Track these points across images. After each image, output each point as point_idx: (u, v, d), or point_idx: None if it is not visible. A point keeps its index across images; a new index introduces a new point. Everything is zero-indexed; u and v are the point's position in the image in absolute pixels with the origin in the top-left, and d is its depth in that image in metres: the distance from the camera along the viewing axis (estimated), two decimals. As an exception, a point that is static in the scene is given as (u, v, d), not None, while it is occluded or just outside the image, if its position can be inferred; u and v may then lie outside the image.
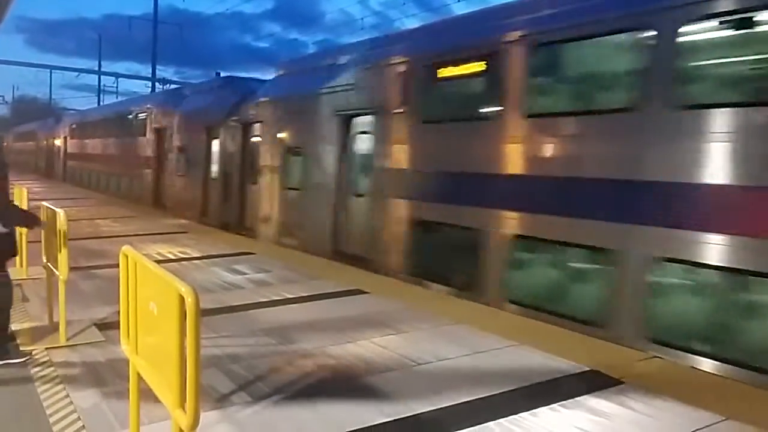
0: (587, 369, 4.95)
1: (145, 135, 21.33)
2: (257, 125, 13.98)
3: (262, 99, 13.93)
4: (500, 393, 4.42)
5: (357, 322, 6.13)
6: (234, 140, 15.03)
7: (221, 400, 4.15)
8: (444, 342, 5.58)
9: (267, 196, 13.34)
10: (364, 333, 5.76)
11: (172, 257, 9.57)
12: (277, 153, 12.98)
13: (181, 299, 2.52)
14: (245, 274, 8.44)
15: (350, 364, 4.96)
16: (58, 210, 5.31)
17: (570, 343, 5.64)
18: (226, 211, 15.26)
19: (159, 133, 19.84)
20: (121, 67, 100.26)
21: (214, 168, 16.09)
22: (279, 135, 12.95)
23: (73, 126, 33.04)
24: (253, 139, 14.22)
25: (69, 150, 33.16)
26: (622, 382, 4.67)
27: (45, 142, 38.40)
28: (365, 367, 4.87)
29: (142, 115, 22.10)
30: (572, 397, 4.37)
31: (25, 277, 7.51)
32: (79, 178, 30.02)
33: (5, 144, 5.39)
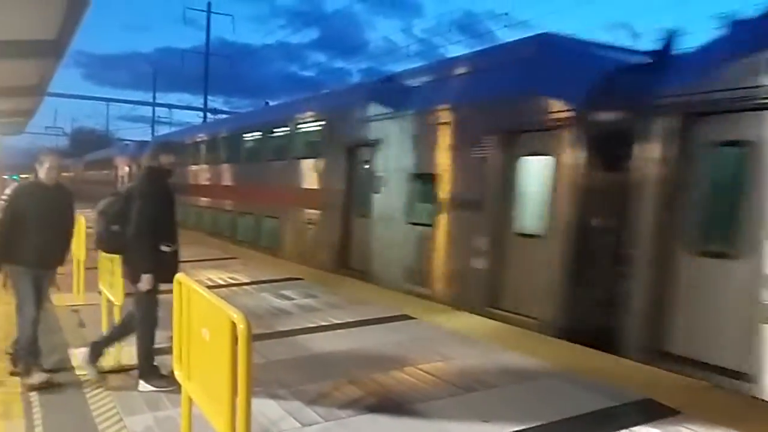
0: (642, 398, 4.81)
1: (318, 155, 13.35)
2: None
3: None
4: (551, 423, 4.32)
5: (403, 348, 6.11)
6: (626, 158, 6.75)
7: (270, 426, 4.18)
8: (493, 369, 5.50)
9: None
10: (411, 359, 5.73)
11: (223, 283, 9.73)
12: None
13: (233, 325, 2.57)
14: (293, 299, 8.51)
15: (397, 390, 4.93)
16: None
17: (624, 371, 5.49)
18: (604, 310, 6.68)
19: (352, 153, 11.88)
20: (173, 98, 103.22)
21: (533, 216, 7.89)
22: None
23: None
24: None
25: None
26: (679, 412, 4.51)
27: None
28: (412, 394, 4.84)
29: (308, 126, 14.27)
30: (627, 427, 4.25)
31: (82, 303, 7.74)
32: (181, 216, 17.61)
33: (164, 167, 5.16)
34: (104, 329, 5.80)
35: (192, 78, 39.50)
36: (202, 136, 22.12)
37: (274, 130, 16.06)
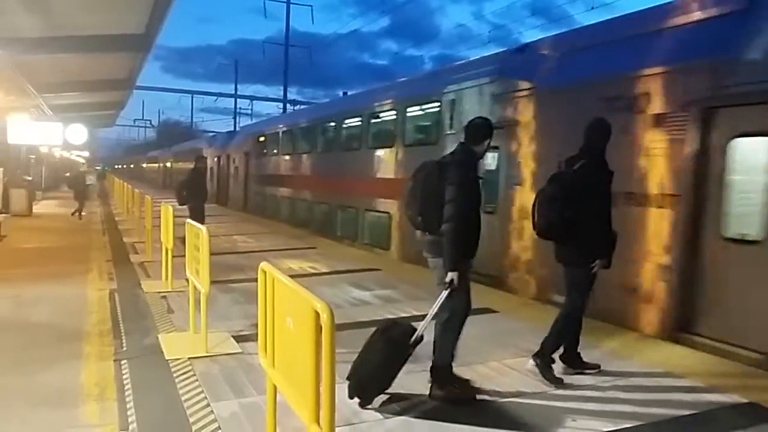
0: (744, 401, 4.50)
1: None
2: None
3: None
4: (645, 425, 4.10)
5: (486, 342, 5.96)
6: None
7: (353, 417, 4.16)
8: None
9: None
10: (494, 353, 5.58)
11: (302, 272, 9.84)
12: None
13: (317, 315, 2.53)
14: (372, 290, 8.51)
15: (480, 386, 4.80)
16: (201, 227, 5.60)
17: (722, 372, 5.16)
18: None
19: None
20: (249, 89, 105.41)
21: None
22: None
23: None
24: None
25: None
26: (786, 418, 4.19)
27: None
28: (496, 390, 4.70)
29: None
30: (729, 431, 3.98)
31: (170, 290, 8.01)
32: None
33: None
34: (191, 315, 5.96)
35: (267, 69, 40.17)
36: None
37: None
